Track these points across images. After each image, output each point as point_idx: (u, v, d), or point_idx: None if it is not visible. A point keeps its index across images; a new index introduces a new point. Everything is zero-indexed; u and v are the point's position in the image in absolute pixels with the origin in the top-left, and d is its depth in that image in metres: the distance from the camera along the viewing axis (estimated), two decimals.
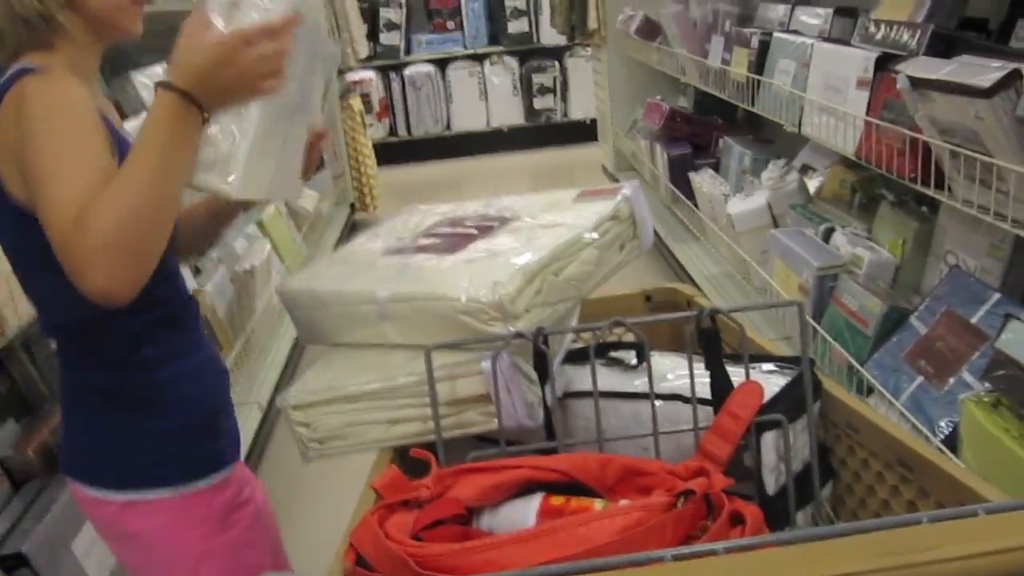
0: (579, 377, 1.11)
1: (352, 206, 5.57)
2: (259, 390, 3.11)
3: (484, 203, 1.26)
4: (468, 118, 7.78)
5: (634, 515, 0.73)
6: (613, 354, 1.13)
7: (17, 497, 1.92)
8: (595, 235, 1.05)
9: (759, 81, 3.10)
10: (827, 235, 2.84)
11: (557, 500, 0.80)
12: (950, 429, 1.89)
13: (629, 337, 1.24)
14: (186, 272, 3.27)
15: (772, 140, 3.96)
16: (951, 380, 1.96)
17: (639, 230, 1.12)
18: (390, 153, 7.39)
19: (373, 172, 5.82)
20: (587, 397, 1.08)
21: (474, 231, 1.13)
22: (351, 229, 5.52)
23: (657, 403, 1.02)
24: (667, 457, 0.96)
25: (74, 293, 0.90)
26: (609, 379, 1.09)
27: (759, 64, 3.11)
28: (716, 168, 3.96)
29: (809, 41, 2.72)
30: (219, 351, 2.99)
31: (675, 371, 1.10)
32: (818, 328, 2.53)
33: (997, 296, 1.99)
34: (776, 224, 3.18)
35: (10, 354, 2.26)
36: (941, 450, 1.87)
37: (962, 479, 0.84)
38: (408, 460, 1.05)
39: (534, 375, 0.98)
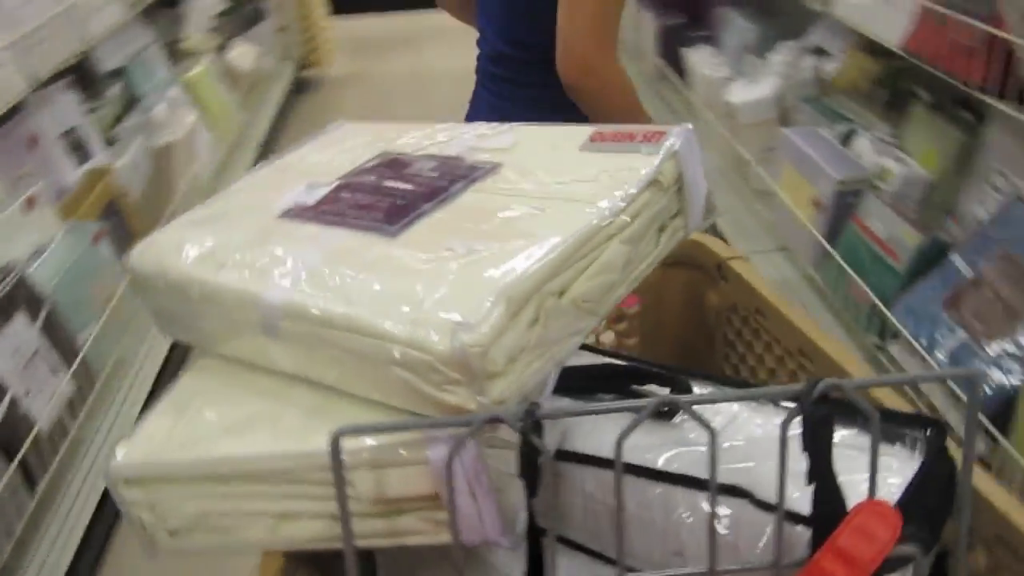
0: (579, 423, 0.73)
1: (300, 62, 4.98)
2: None
3: (445, 130, 0.83)
4: None
5: None
6: (636, 386, 0.74)
7: None
8: (625, 217, 0.64)
9: None
10: (846, 138, 2.44)
11: None
12: (999, 405, 1.57)
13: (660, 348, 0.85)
14: (96, 145, 2.78)
15: (777, 13, 3.46)
16: (1006, 343, 1.62)
17: (687, 202, 0.71)
18: (345, 0, 6.67)
19: (324, 23, 5.19)
20: (591, 464, 0.71)
21: (425, 189, 0.71)
22: (298, 89, 4.96)
23: (705, 499, 0.65)
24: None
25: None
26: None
27: None
28: (713, 43, 3.47)
29: None
30: (132, 241, 2.56)
31: (723, 425, 0.72)
32: (833, 253, 2.16)
33: None
34: (784, 118, 2.76)
35: None
36: (987, 430, 1.55)
37: None
38: (308, 565, 0.67)
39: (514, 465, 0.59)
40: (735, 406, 0.72)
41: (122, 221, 2.52)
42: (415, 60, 5.88)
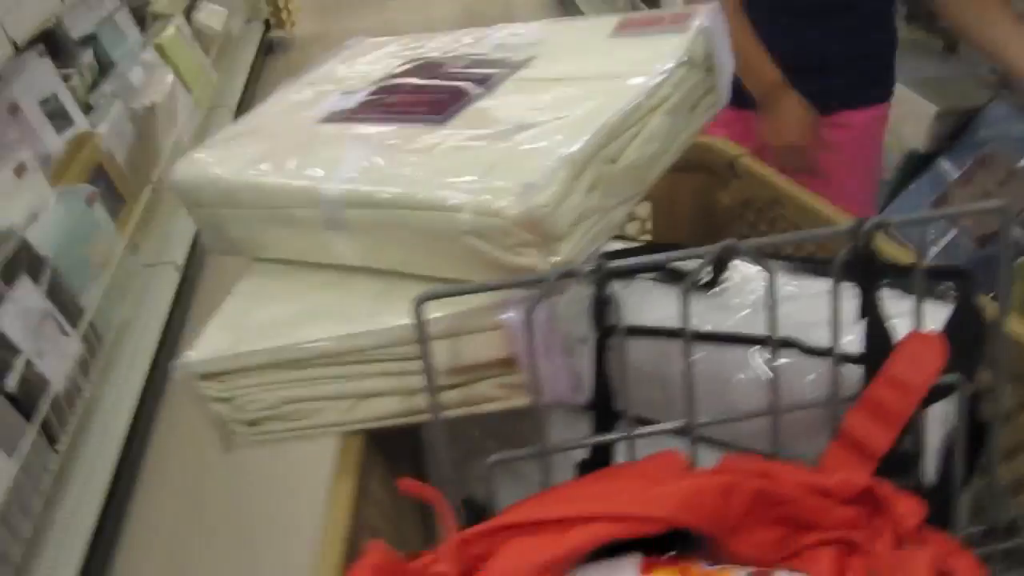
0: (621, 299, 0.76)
1: (267, 23, 4.92)
2: (175, 247, 2.69)
3: (467, 35, 0.85)
4: None
5: None
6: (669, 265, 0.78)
7: None
8: (665, 90, 0.66)
9: None
10: None
11: (665, 574, 0.47)
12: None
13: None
14: (75, 112, 2.74)
15: None
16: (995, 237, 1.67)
17: (716, 78, 0.73)
18: None
19: None
20: (643, 335, 0.74)
21: (464, 84, 0.74)
22: (267, 50, 4.90)
23: (749, 350, 0.69)
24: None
25: None
26: (670, 306, 0.75)
27: None
28: None
29: None
30: (122, 205, 2.55)
31: (747, 289, 0.75)
32: None
33: None
34: None
35: None
36: None
37: None
38: (387, 444, 0.71)
39: (578, 323, 0.63)
40: (760, 273, 0.76)
41: (110, 185, 2.51)
42: (378, 18, 5.81)
